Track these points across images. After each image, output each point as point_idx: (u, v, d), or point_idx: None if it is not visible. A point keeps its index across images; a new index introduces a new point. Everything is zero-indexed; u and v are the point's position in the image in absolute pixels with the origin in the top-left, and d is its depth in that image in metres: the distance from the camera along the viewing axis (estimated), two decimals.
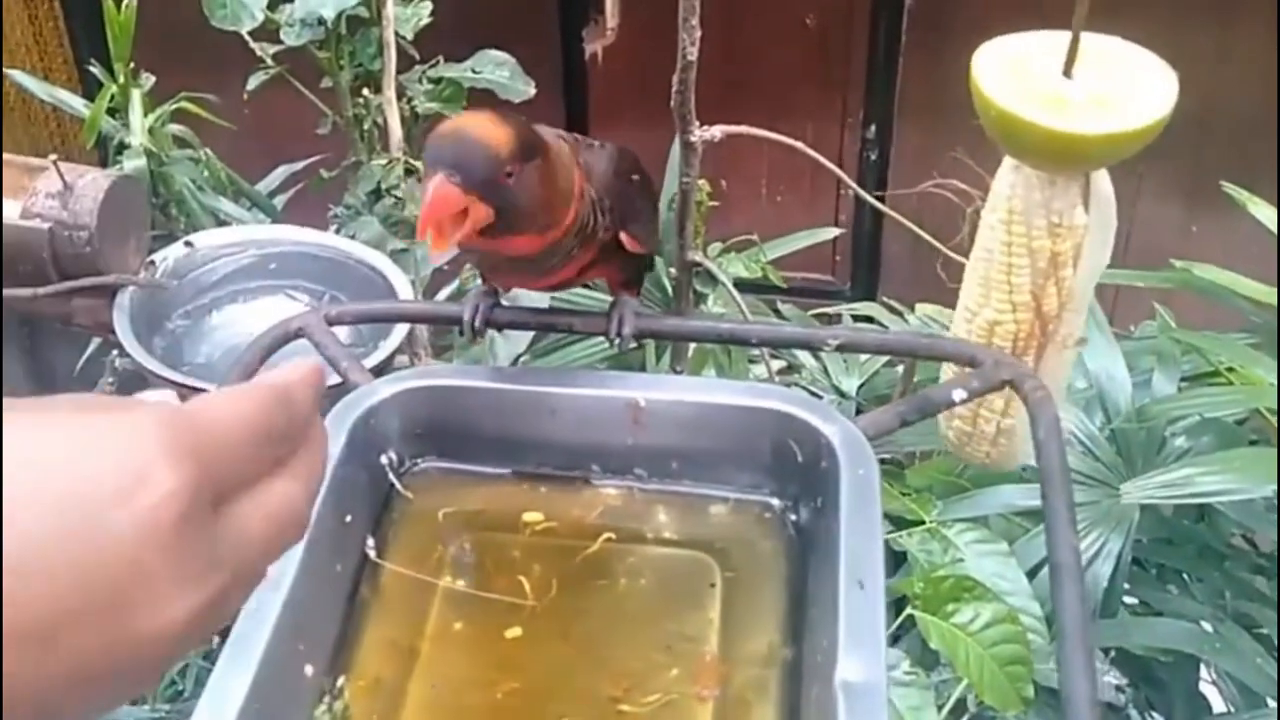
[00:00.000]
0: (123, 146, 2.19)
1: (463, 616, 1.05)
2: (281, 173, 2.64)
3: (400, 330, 1.67)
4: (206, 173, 2.34)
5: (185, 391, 1.65)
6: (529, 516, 1.13)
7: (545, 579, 1.07)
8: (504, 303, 1.22)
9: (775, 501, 1.12)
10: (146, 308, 1.79)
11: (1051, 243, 1.15)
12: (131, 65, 2.20)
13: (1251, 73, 2.86)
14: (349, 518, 1.08)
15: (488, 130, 0.98)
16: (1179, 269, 2.04)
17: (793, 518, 1.11)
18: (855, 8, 3.17)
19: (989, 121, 1.10)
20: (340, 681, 1.00)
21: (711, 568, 1.08)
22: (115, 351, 2.29)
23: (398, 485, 1.15)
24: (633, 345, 1.24)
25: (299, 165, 2.63)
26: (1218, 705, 1.91)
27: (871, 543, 0.97)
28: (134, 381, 2.56)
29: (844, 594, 0.93)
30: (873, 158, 3.32)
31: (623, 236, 1.16)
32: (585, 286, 1.91)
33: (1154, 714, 1.92)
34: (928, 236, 2.13)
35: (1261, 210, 2.07)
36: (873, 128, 3.28)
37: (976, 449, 1.29)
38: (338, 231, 2.23)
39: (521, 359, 2.14)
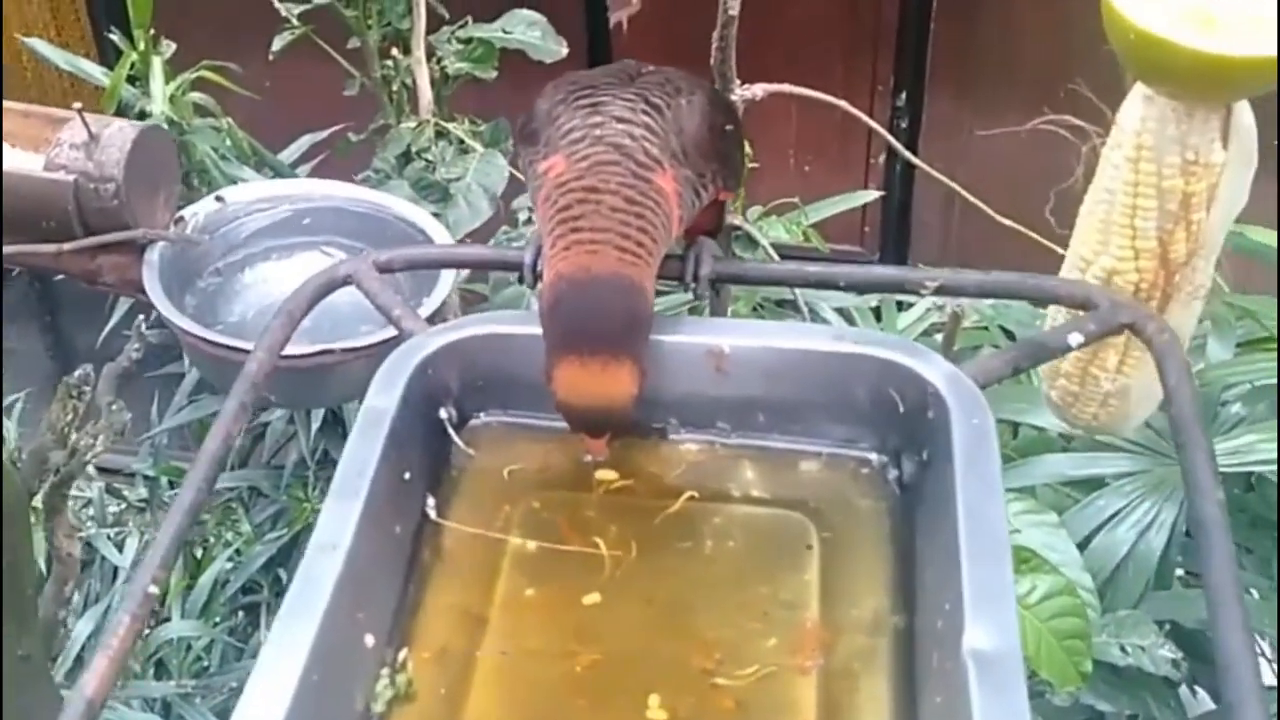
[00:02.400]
0: (143, 115, 2.14)
1: (534, 581, 0.96)
2: (305, 141, 2.58)
3: (447, 281, 1.57)
4: (229, 142, 2.28)
5: (218, 350, 1.56)
6: (602, 474, 1.03)
7: (623, 541, 0.98)
8: None
9: (874, 456, 1.03)
10: (176, 265, 1.69)
11: (1184, 182, 1.04)
12: (151, 32, 2.15)
13: None
14: (408, 475, 0.98)
15: (608, 391, 0.96)
16: (1231, 231, 1.95)
17: (894, 473, 1.01)
18: None
19: (1122, 45, 0.99)
20: (403, 653, 0.90)
21: (807, 528, 0.98)
22: (141, 319, 2.21)
23: (458, 441, 1.05)
24: (707, 292, 1.14)
25: (323, 134, 2.57)
26: (1268, 680, 1.82)
27: (992, 499, 0.87)
28: (160, 353, 2.47)
29: (967, 555, 0.83)
30: (903, 125, 3.22)
31: (720, 194, 1.10)
32: None
33: (1200, 688, 1.84)
34: (976, 200, 2.04)
35: None
36: (903, 95, 3.17)
37: (1083, 410, 1.18)
38: None
39: None
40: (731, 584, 0.95)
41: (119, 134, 1.63)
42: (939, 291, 1.08)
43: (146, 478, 2.91)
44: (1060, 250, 2.20)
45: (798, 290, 1.74)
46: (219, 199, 1.78)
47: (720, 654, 0.89)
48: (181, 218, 1.73)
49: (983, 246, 2.49)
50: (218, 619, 2.75)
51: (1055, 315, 1.14)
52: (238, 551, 2.73)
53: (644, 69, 1.08)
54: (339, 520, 0.89)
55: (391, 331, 1.10)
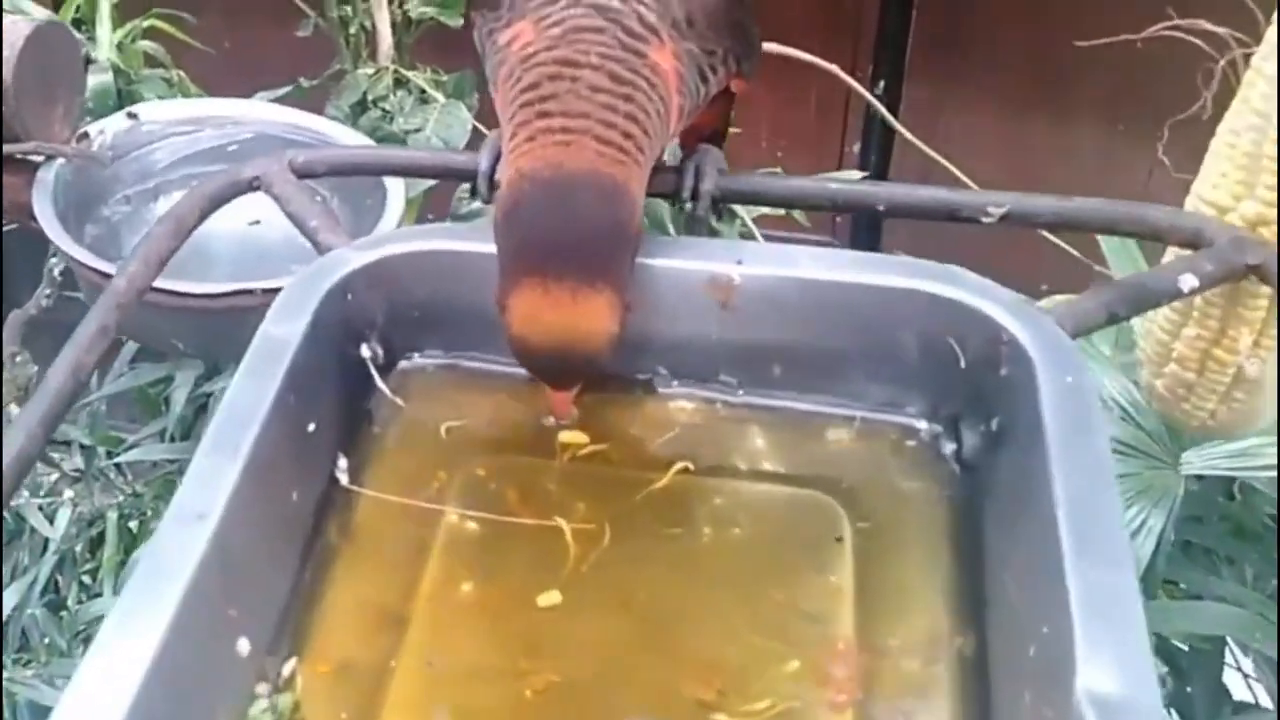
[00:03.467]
0: (89, 61, 1.93)
1: (474, 572, 0.72)
2: (261, 99, 2.38)
3: (396, 208, 1.33)
4: (179, 95, 2.07)
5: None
6: (568, 436, 0.80)
7: (594, 524, 0.74)
8: None
9: (923, 424, 0.79)
10: (77, 188, 1.44)
11: None
12: None
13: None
14: (312, 426, 0.74)
15: (578, 328, 0.72)
16: None
17: (950, 446, 0.78)
18: None
19: None
20: (290, 665, 0.67)
21: (837, 515, 0.74)
22: (54, 260, 1.96)
23: (383, 387, 0.81)
24: (711, 214, 0.90)
25: (280, 91, 2.37)
26: (1240, 694, 1.64)
27: (1103, 487, 0.64)
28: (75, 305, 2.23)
29: (1074, 563, 0.60)
30: (878, 116, 3.06)
31: (734, 83, 0.86)
32: None
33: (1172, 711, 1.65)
34: (967, 179, 1.85)
35: None
36: (881, 84, 3.00)
37: (1199, 405, 0.94)
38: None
39: None
40: (737, 586, 0.71)
41: (11, 30, 1.37)
42: (1007, 220, 0.84)
43: (83, 446, 2.70)
44: (1056, 241, 2.05)
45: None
46: (131, 115, 1.53)
47: (721, 681, 0.66)
48: (85, 134, 1.47)
49: (963, 240, 2.35)
50: None
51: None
52: None
53: None
54: (209, 482, 0.65)
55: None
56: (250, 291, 1.28)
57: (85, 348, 0.77)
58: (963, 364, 0.76)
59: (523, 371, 0.78)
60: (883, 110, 2.03)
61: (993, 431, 0.74)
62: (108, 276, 1.30)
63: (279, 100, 2.35)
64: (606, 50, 0.75)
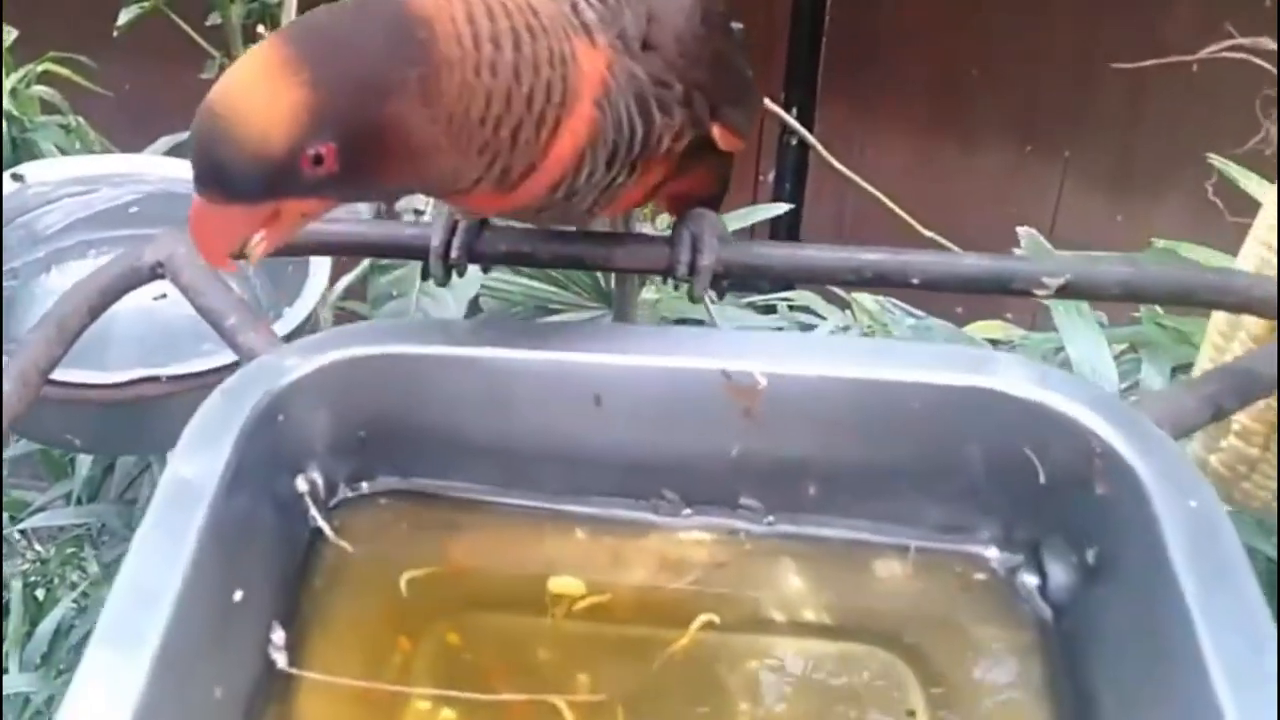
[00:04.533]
0: None
1: None
2: (164, 144, 2.29)
3: (319, 280, 1.17)
4: (79, 143, 2.00)
5: None
6: (560, 584, 0.64)
7: (602, 700, 0.58)
8: (495, 223, 0.74)
9: (995, 553, 0.65)
10: None
11: None
12: None
13: (1183, 56, 2.58)
14: (239, 595, 0.58)
15: (253, 107, 0.57)
16: (1162, 249, 1.71)
17: (1033, 580, 0.63)
18: None
19: None
20: None
21: (902, 678, 0.60)
22: None
23: (326, 528, 0.66)
24: (707, 293, 0.75)
25: (185, 135, 2.24)
26: None
27: (1263, 647, 0.50)
28: None
29: None
30: (793, 143, 3.00)
31: (716, 131, 0.70)
32: None
33: None
34: (894, 205, 1.76)
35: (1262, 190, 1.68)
36: (794, 110, 2.94)
37: (1262, 484, 0.81)
38: None
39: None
40: None
41: None
42: (1065, 292, 0.70)
43: None
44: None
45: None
46: (17, 177, 1.35)
47: None
48: None
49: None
50: (61, 668, 2.38)
51: (1223, 336, 0.76)
52: (84, 594, 2.38)
53: None
54: (109, 687, 0.49)
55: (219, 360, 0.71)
56: (156, 379, 1.12)
57: None
58: (1042, 479, 0.62)
59: (502, 500, 0.63)
60: (804, 133, 1.92)
61: (1089, 564, 0.60)
62: None
63: (185, 145, 2.23)
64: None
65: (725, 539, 0.66)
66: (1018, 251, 1.62)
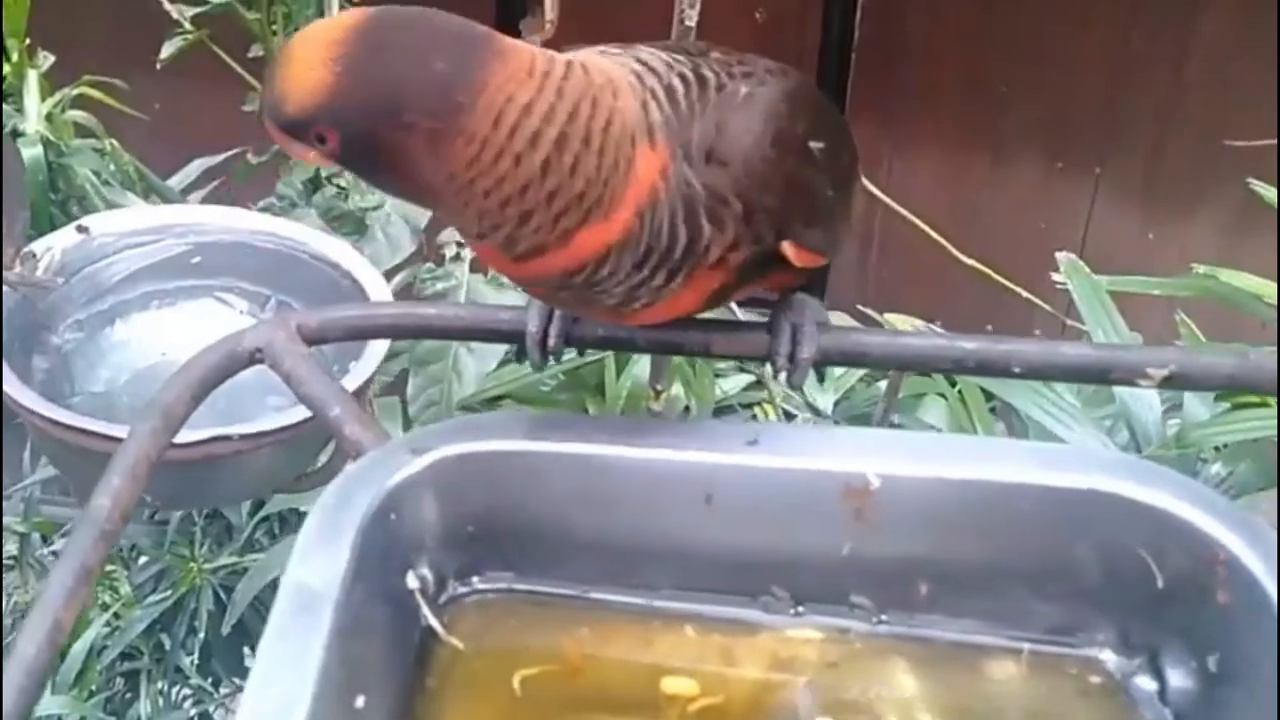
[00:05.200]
0: (16, 134, 1.91)
1: None
2: (198, 166, 2.33)
3: (379, 348, 1.17)
4: (113, 166, 2.03)
5: (73, 435, 1.14)
6: (674, 685, 0.64)
7: None
8: None
9: (1111, 657, 0.65)
10: (22, 315, 1.27)
11: None
12: (27, 42, 1.92)
13: (1212, 72, 2.56)
14: (360, 701, 0.58)
15: (295, 65, 0.60)
16: (1202, 274, 1.70)
17: (1151, 685, 0.63)
18: (808, 2, 2.80)
19: None
20: None
21: None
22: None
23: (437, 626, 0.66)
24: (805, 381, 0.76)
25: (218, 158, 2.29)
26: None
27: None
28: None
29: None
30: None
31: (787, 249, 0.68)
32: None
33: None
34: (924, 225, 1.77)
35: None
36: None
37: None
38: None
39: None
40: None
41: None
42: (1169, 383, 0.70)
43: (17, 533, 2.55)
44: (1014, 287, 1.95)
45: None
46: (82, 229, 1.35)
47: None
48: (31, 254, 1.30)
49: (907, 287, 2.30)
50: (93, 689, 2.39)
51: None
52: (115, 615, 2.39)
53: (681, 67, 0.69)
54: None
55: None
56: (227, 438, 1.12)
57: (62, 603, 0.61)
58: (1160, 583, 0.62)
59: (610, 597, 0.63)
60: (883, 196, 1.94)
61: (1211, 671, 0.60)
62: (58, 425, 1.14)
63: (218, 167, 2.23)
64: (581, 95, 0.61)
65: (836, 638, 0.66)
66: (1056, 276, 1.62)
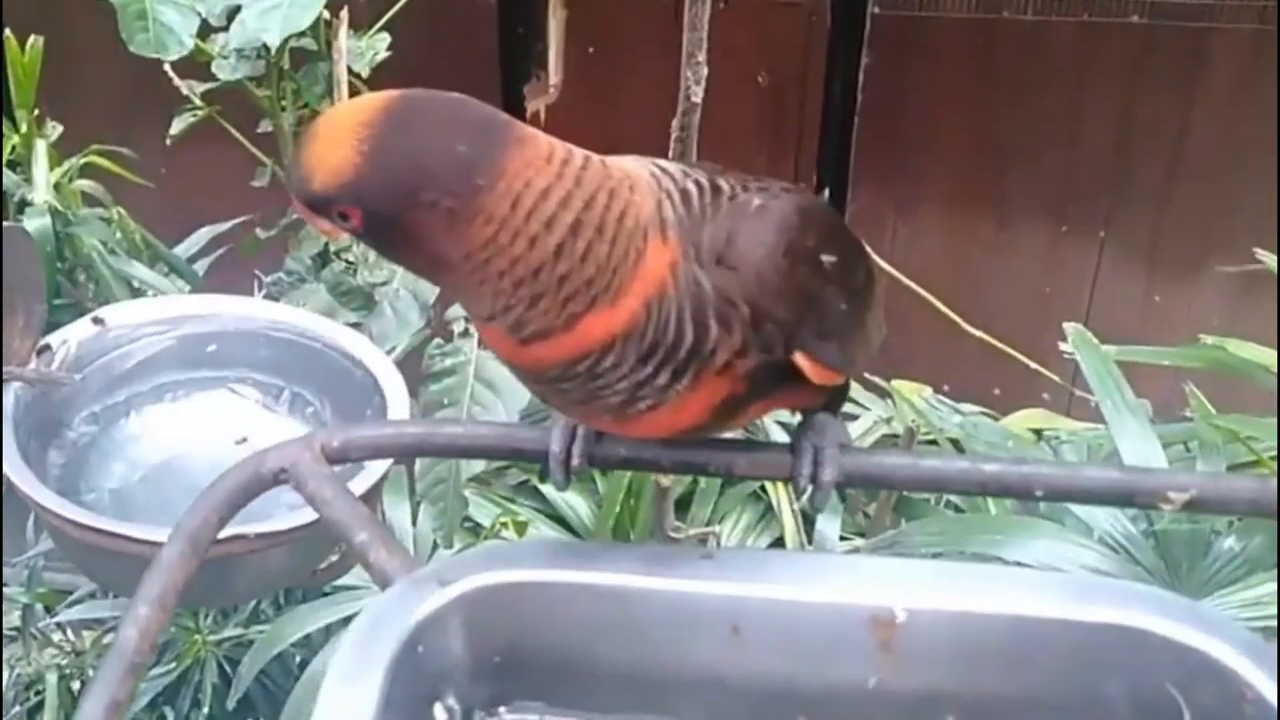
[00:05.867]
0: (24, 204, 1.93)
1: None
2: (205, 234, 2.32)
3: (399, 415, 1.18)
4: (119, 234, 2.07)
5: (89, 535, 1.14)
6: None
7: None
8: None
9: None
10: (39, 410, 1.27)
11: None
12: (36, 113, 1.94)
13: (1210, 138, 2.58)
14: None
15: (322, 144, 0.63)
16: (1210, 345, 1.71)
17: None
18: (810, 66, 2.87)
19: None
20: None
21: None
22: None
23: None
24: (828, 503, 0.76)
25: (225, 226, 2.32)
26: None
27: None
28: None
29: None
30: None
31: (800, 361, 0.68)
32: None
33: None
34: (930, 296, 1.78)
35: None
36: (826, 191, 2.95)
37: None
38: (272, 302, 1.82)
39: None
40: None
41: None
42: (1191, 507, 0.71)
43: (20, 604, 2.53)
44: (1010, 351, 1.95)
45: None
46: (98, 321, 1.36)
47: None
48: (47, 346, 1.31)
49: (914, 353, 2.30)
50: None
51: None
52: None
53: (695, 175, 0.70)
54: None
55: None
56: (244, 536, 1.12)
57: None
58: (1187, 718, 0.62)
59: None
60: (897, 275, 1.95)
61: None
62: (75, 524, 1.14)
63: (225, 235, 2.23)
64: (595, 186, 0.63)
65: None
66: (1064, 346, 1.62)
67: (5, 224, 1.30)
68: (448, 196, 0.60)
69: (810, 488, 0.73)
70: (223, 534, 1.11)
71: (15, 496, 1.28)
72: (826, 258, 0.70)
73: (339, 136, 0.61)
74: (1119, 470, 0.74)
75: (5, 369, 1.23)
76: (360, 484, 1.16)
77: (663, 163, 0.68)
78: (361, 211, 0.62)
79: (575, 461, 0.74)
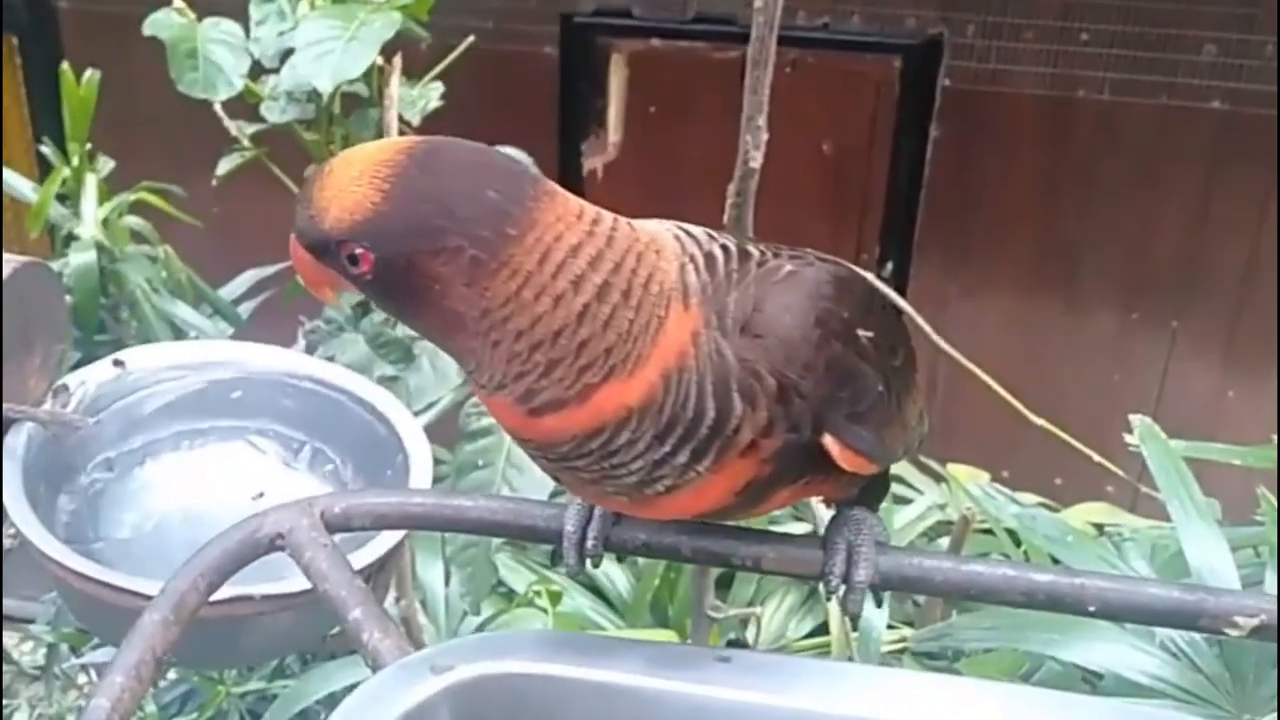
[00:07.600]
0: (71, 238, 1.95)
1: None
2: (250, 277, 2.33)
3: (421, 480, 1.13)
4: (165, 273, 2.08)
5: (93, 588, 1.09)
6: None
7: None
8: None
9: None
10: (51, 453, 1.22)
11: None
12: (88, 147, 1.96)
13: None
14: None
15: (336, 182, 0.60)
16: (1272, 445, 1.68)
17: None
18: (877, 136, 2.84)
19: None
20: None
21: None
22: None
23: None
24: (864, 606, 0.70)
25: (271, 270, 2.31)
26: None
27: None
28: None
29: None
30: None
31: (829, 444, 0.63)
32: None
33: None
34: (992, 381, 1.72)
35: None
36: (889, 265, 2.91)
37: None
38: (310, 351, 1.81)
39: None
40: None
41: None
42: (1260, 633, 0.64)
43: (46, 643, 2.52)
44: (1073, 442, 1.88)
45: None
46: (118, 363, 1.31)
47: None
48: (64, 387, 1.26)
49: (971, 436, 2.24)
50: None
51: None
52: None
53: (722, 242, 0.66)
54: None
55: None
56: (250, 598, 1.07)
57: None
58: None
59: None
60: (896, 298, 1.89)
61: None
62: (76, 574, 1.09)
63: (270, 279, 2.22)
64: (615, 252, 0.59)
65: None
66: (1129, 438, 1.56)
67: (29, 259, 1.26)
68: (474, 243, 0.56)
69: (842, 588, 0.68)
70: (227, 595, 1.07)
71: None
72: (862, 332, 0.65)
73: (356, 175, 0.58)
74: (1181, 589, 0.67)
75: (18, 408, 1.19)
76: (379, 545, 1.11)
77: (688, 226, 0.64)
78: (375, 256, 0.58)
79: (590, 543, 0.69)
